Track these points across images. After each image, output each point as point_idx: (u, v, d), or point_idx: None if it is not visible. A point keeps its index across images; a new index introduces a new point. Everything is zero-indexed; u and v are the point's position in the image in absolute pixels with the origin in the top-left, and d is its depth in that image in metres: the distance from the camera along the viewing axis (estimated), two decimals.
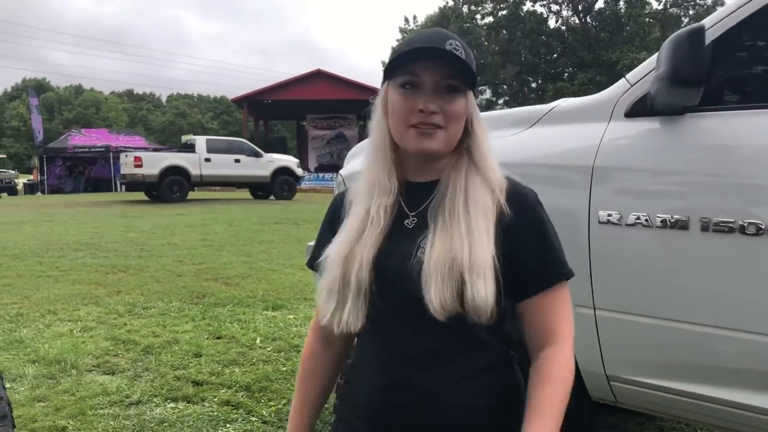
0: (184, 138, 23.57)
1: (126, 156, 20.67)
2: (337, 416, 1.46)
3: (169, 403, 3.68)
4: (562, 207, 2.17)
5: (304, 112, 35.69)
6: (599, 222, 2.05)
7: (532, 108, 2.45)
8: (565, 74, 46.80)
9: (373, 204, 1.26)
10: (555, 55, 47.68)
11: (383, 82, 1.30)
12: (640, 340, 2.06)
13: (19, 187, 34.56)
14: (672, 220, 1.93)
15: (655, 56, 1.99)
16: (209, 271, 7.68)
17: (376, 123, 1.31)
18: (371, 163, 1.30)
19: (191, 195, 21.61)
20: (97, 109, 78.95)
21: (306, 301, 6.16)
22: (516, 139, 2.35)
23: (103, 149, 33.46)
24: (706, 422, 2.14)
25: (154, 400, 3.72)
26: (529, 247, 1.22)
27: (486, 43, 47.98)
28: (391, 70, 1.25)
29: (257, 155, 21.44)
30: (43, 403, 3.69)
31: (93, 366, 4.33)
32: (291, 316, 5.61)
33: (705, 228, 1.88)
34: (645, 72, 2.10)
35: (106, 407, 3.61)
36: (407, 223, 1.27)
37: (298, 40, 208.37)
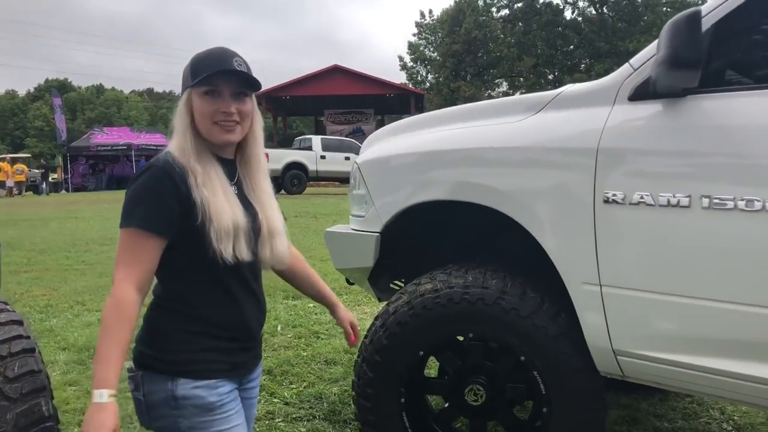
0: (297, 139, 26.11)
1: None
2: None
3: None
4: (568, 188, 2.26)
5: (322, 108, 35.84)
6: (604, 202, 2.13)
7: (541, 94, 2.52)
8: (582, 65, 46.50)
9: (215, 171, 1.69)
10: (571, 47, 47.37)
11: (185, 90, 1.69)
12: (644, 315, 2.13)
13: (44, 185, 35.08)
14: (674, 199, 2.01)
15: (656, 41, 2.06)
16: None
17: (180, 121, 1.69)
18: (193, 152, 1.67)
19: None
20: (119, 108, 79.70)
21: None
22: (526, 124, 2.43)
23: (124, 147, 33.92)
24: (710, 394, 2.21)
25: None
26: None
27: (502, 36, 47.77)
28: (193, 82, 1.64)
29: None
30: (74, 387, 3.86)
31: None
32: (311, 305, 5.73)
33: (706, 206, 1.95)
34: (648, 56, 2.17)
35: None
36: (233, 191, 1.73)
37: (317, 34, 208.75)
